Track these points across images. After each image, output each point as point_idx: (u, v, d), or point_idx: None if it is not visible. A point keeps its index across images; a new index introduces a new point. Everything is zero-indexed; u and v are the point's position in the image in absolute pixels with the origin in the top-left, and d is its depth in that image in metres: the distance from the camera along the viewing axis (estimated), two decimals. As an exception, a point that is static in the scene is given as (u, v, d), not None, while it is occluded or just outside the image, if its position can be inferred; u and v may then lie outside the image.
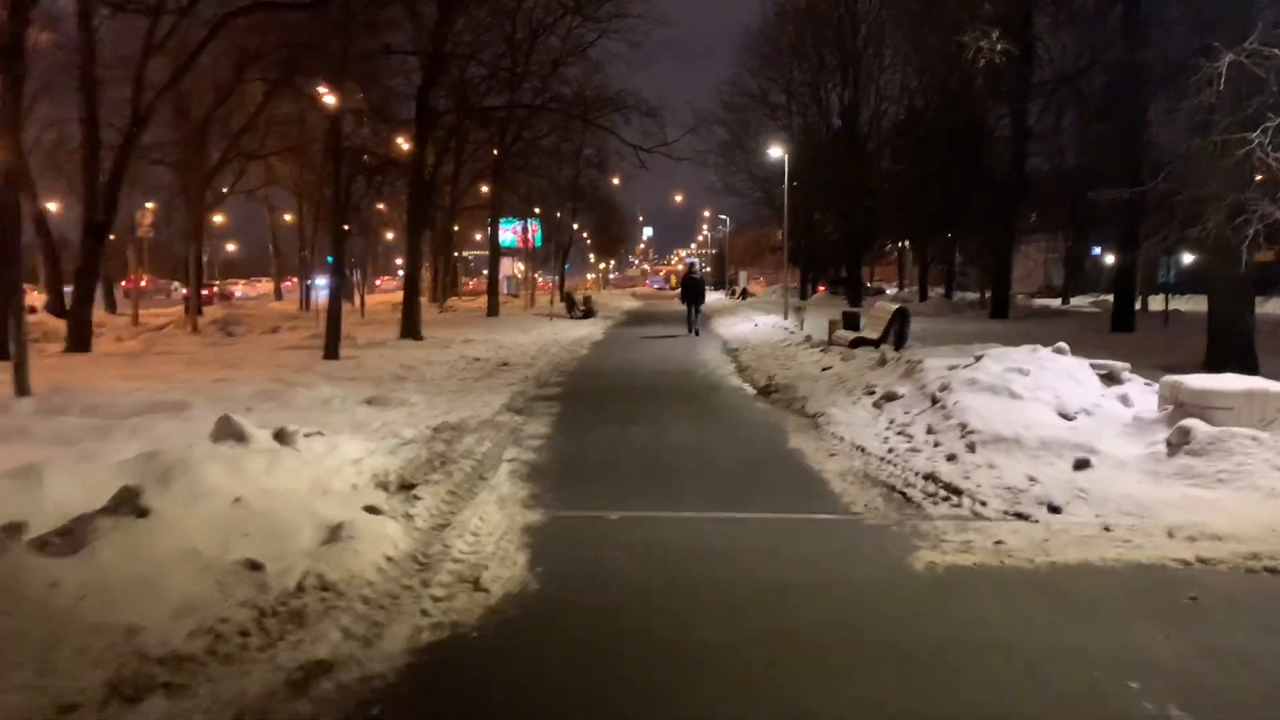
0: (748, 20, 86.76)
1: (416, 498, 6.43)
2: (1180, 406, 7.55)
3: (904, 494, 7.12)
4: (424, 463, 7.47)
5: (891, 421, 9.17)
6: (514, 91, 31.96)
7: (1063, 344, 9.25)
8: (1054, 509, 6.58)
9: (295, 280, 64.97)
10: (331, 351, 16.07)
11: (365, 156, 20.26)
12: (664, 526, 6.33)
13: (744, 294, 55.93)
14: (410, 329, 21.17)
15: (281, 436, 6.83)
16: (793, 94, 44.67)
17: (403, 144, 23.11)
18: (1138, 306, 43.99)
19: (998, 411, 8.29)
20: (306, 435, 7.22)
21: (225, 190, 43.54)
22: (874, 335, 16.45)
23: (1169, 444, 7.19)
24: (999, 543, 5.90)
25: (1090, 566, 5.51)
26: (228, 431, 6.58)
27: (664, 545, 5.92)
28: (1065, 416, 8.31)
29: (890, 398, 9.86)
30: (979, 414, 8.25)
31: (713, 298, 58.56)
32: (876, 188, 39.28)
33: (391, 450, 7.72)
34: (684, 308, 25.25)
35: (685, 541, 6.01)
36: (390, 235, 61.30)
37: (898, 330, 16.35)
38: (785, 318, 26.55)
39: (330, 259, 17.05)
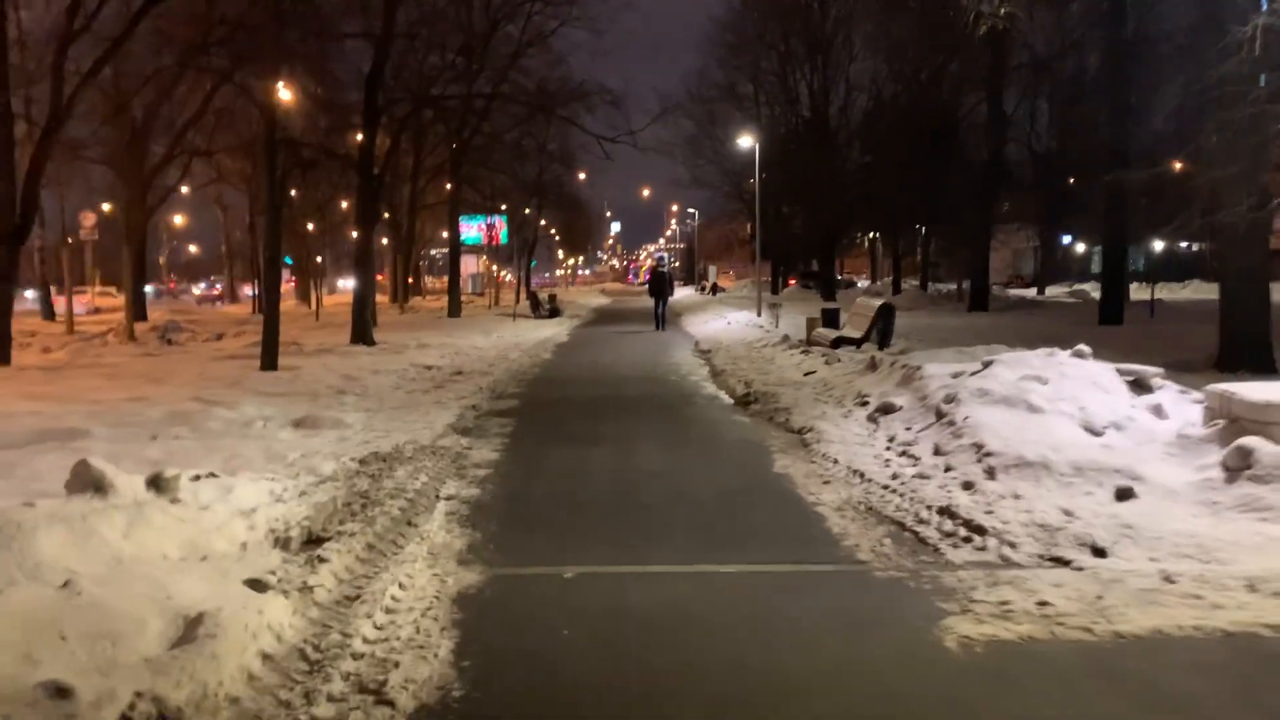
0: (713, 8, 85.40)
1: (322, 559, 5.17)
2: (1234, 421, 6.44)
3: (916, 533, 5.97)
4: (341, 507, 6.21)
5: (891, 439, 8.01)
6: (471, 83, 30.68)
7: (1084, 346, 8.15)
8: (1098, 551, 5.46)
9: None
10: (269, 362, 14.74)
11: (322, 153, 18.75)
12: (629, 586, 5.13)
13: (714, 289, 54.82)
14: (361, 334, 19.81)
15: (158, 483, 5.54)
16: (760, 84, 43.54)
17: (359, 137, 21.74)
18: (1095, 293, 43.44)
19: (1017, 428, 7.15)
20: (194, 478, 5.94)
21: (184, 189, 41.76)
22: (857, 334, 15.34)
23: (1226, 467, 6.08)
24: (1044, 604, 4.74)
25: (1166, 639, 4.36)
26: (86, 480, 5.29)
27: (629, 615, 4.73)
28: (1093, 432, 7.19)
29: (887, 410, 8.71)
30: (995, 431, 7.11)
31: (682, 293, 57.51)
32: (847, 179, 38.29)
33: (303, 492, 6.45)
34: (652, 304, 25.80)
35: (655, 608, 4.82)
36: (356, 234, 59.38)
37: (881, 328, 15.25)
38: (759, 314, 25.43)
39: (281, 259, 15.65)
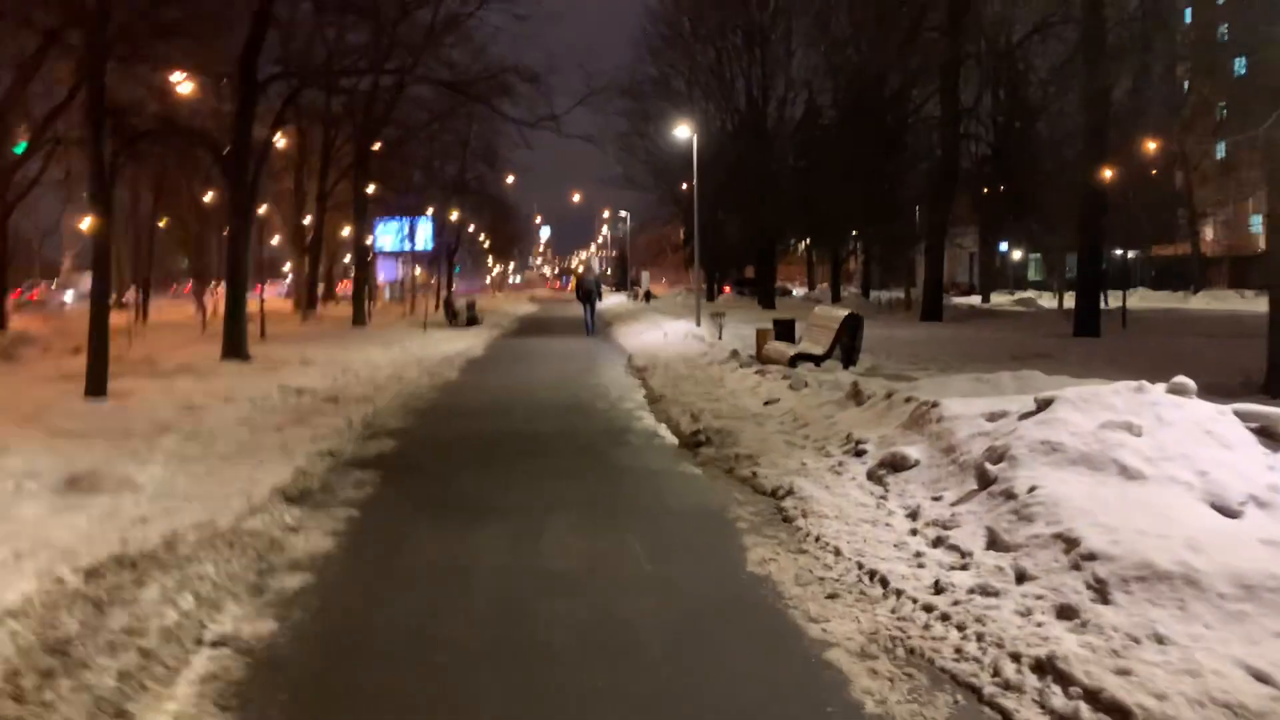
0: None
1: None
2: None
3: (1005, 713, 3.49)
4: (-9, 689, 3.46)
5: (913, 514, 5.51)
6: (379, 66, 27.85)
7: (1185, 379, 5.76)
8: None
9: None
10: (95, 386, 11.73)
11: (161, 125, 15.51)
12: None
13: (647, 296, 52.31)
14: (234, 348, 16.78)
15: None
16: (695, 80, 41.26)
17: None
18: (1055, 304, 42.07)
19: (1116, 508, 4.71)
20: None
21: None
22: (818, 349, 12.92)
23: None
24: None
25: None
26: None
27: None
28: (1226, 512, 4.79)
29: (897, 465, 6.22)
30: (1086, 513, 4.66)
31: (613, 300, 55.08)
32: (787, 181, 36.23)
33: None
34: (580, 312, 25.92)
35: None
36: (276, 239, 56.17)
37: (847, 344, 12.85)
38: (698, 324, 22.94)
39: (109, 256, 12.75)
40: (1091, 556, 4.34)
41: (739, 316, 23.65)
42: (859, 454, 6.78)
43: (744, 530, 5.72)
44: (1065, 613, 4.07)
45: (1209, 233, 55.50)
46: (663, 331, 21.93)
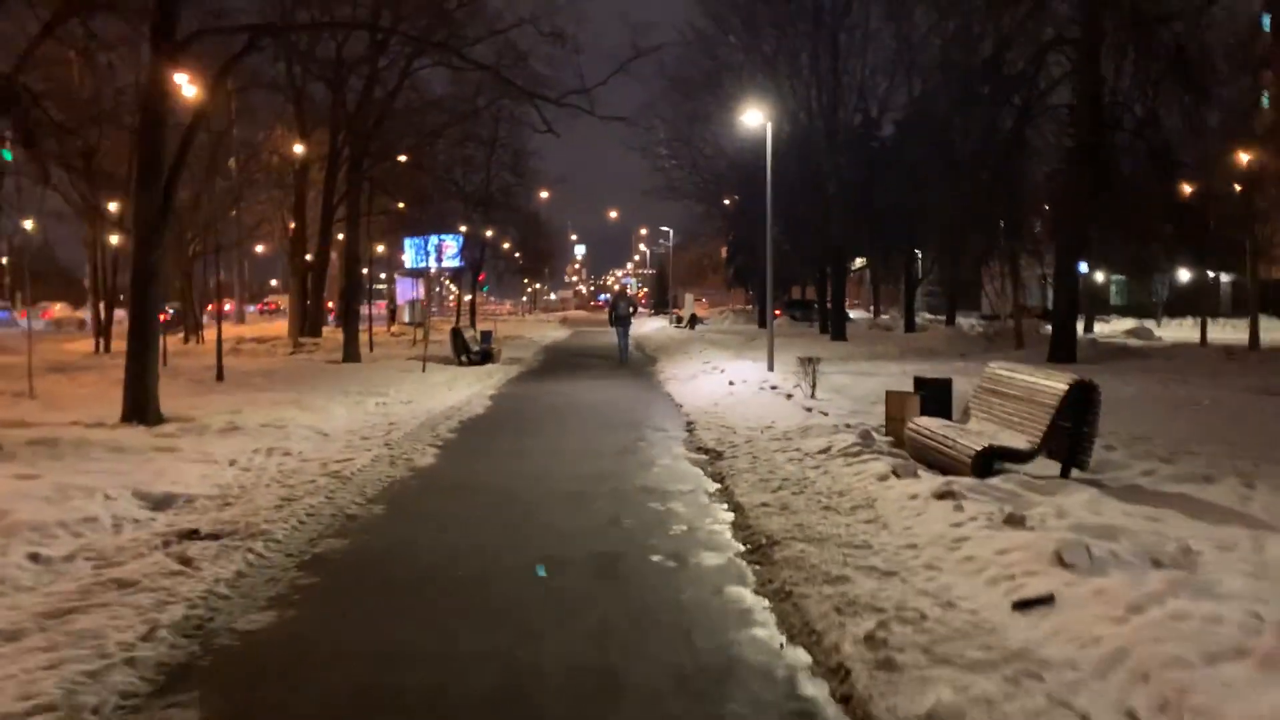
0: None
1: None
2: None
3: None
4: None
5: None
6: (380, 49, 23.26)
7: None
8: None
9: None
10: None
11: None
12: None
13: (692, 321, 46.87)
14: (137, 405, 11.95)
15: None
16: (751, 76, 36.14)
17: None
18: (1157, 330, 36.29)
19: None
20: None
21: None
22: (1023, 443, 7.68)
23: None
24: None
25: None
26: None
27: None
28: None
29: None
30: None
31: (652, 326, 50.06)
32: (859, 188, 31.05)
33: None
34: (614, 339, 25.22)
35: None
36: (260, 248, 52.49)
37: (1072, 431, 7.63)
38: (770, 368, 17.73)
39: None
40: None
41: (819, 355, 18.38)
42: None
43: None
44: None
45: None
46: (726, 379, 16.61)
